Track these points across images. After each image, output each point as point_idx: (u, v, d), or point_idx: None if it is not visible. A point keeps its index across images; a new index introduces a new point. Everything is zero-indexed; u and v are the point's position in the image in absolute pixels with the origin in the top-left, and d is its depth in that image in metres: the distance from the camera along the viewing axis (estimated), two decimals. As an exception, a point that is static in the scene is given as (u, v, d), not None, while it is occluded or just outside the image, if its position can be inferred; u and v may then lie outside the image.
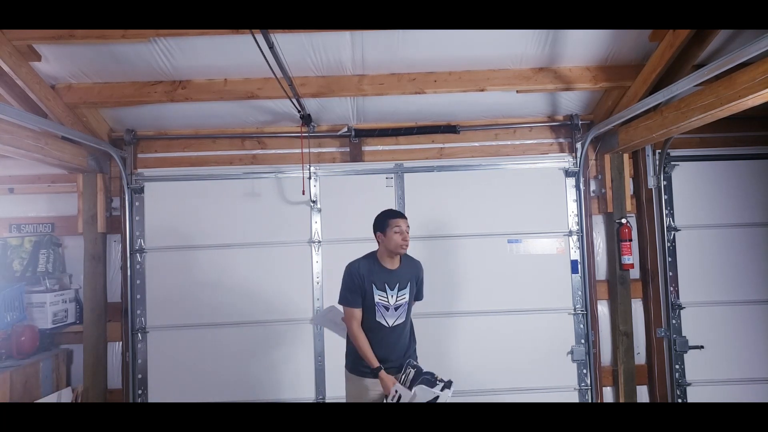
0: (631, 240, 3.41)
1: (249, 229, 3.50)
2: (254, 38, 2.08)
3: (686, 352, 3.41)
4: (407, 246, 2.43)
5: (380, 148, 3.60)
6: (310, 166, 3.46)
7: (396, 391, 2.28)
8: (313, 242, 3.50)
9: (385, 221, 2.45)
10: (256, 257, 3.48)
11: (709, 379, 3.43)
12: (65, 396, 3.32)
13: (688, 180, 3.53)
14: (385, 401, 2.33)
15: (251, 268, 3.48)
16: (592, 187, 3.58)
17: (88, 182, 3.41)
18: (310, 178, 3.45)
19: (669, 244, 3.47)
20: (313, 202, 3.51)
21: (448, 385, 2.32)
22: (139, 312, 3.44)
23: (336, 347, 3.24)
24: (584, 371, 3.47)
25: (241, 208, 3.51)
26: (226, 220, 3.50)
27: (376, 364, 2.35)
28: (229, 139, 3.58)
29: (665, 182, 3.50)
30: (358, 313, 2.42)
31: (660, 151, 3.47)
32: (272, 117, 3.45)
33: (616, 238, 3.44)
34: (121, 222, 3.47)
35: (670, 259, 3.46)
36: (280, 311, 3.46)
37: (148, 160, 3.57)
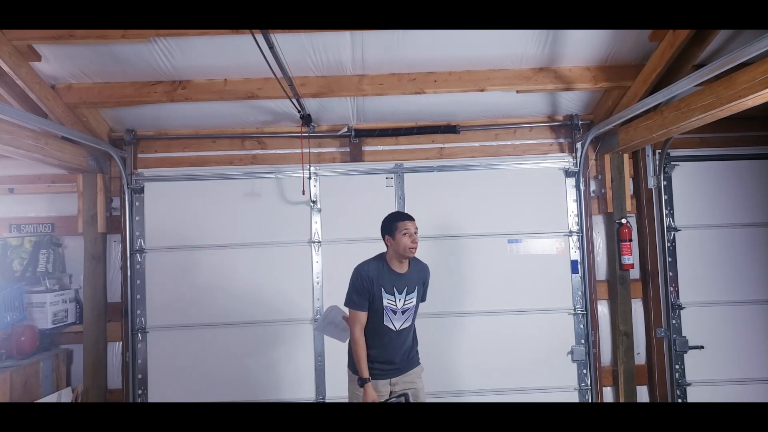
0: (631, 240, 3.41)
1: (249, 230, 3.50)
2: (254, 38, 2.08)
3: (686, 352, 3.41)
4: (416, 249, 2.41)
5: (380, 148, 3.60)
6: (310, 166, 3.46)
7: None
8: (313, 242, 3.50)
9: (393, 224, 2.42)
10: (256, 257, 3.48)
11: (709, 379, 3.43)
12: (65, 396, 3.32)
13: (688, 180, 3.53)
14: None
15: (251, 269, 3.48)
16: (592, 187, 3.58)
17: (88, 182, 3.41)
18: (310, 178, 3.45)
19: (669, 244, 3.47)
20: (313, 202, 3.51)
21: None
22: (139, 312, 3.44)
23: (336, 347, 3.22)
24: (584, 371, 3.47)
25: (241, 208, 3.51)
26: (226, 221, 3.50)
27: (365, 375, 2.35)
28: (229, 139, 3.58)
29: (665, 182, 3.50)
30: (363, 317, 2.40)
31: (660, 151, 3.47)
32: (272, 117, 3.45)
33: (616, 238, 3.44)
34: (121, 222, 3.47)
35: (670, 259, 3.46)
36: (280, 311, 3.46)
37: (148, 160, 3.57)
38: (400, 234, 2.38)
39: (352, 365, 2.47)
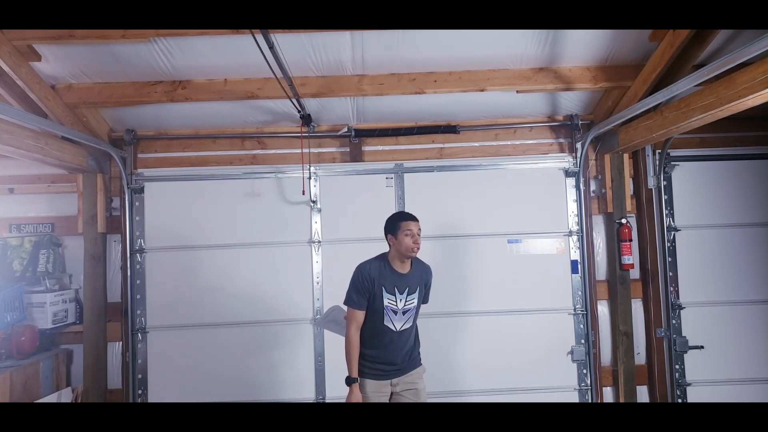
0: (631, 240, 3.41)
1: (249, 230, 3.50)
2: (254, 38, 2.08)
3: (686, 352, 3.41)
4: (418, 249, 2.39)
5: (380, 148, 3.60)
6: (310, 166, 3.46)
7: None
8: (313, 242, 3.50)
9: (396, 224, 2.41)
10: (256, 257, 3.48)
11: (709, 379, 3.43)
12: (65, 396, 3.32)
13: (688, 180, 3.53)
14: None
15: (251, 269, 3.48)
16: (592, 187, 3.58)
17: (88, 182, 3.41)
18: (310, 178, 3.45)
19: (669, 244, 3.47)
20: (313, 202, 3.51)
21: None
22: (139, 312, 3.44)
23: (336, 347, 3.23)
24: (584, 371, 3.47)
25: (241, 208, 3.51)
26: (226, 221, 3.50)
27: (354, 374, 2.36)
28: (229, 139, 3.58)
29: (665, 182, 3.50)
30: (360, 315, 2.40)
31: (660, 151, 3.47)
32: (272, 117, 3.45)
33: (616, 238, 3.44)
34: (121, 222, 3.47)
35: (670, 259, 3.46)
36: (280, 311, 3.46)
37: (148, 160, 3.57)
38: (403, 234, 2.37)
39: (359, 369, 2.48)
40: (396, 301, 2.40)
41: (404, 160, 3.57)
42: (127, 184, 3.45)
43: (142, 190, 3.50)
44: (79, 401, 3.34)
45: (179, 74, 3.02)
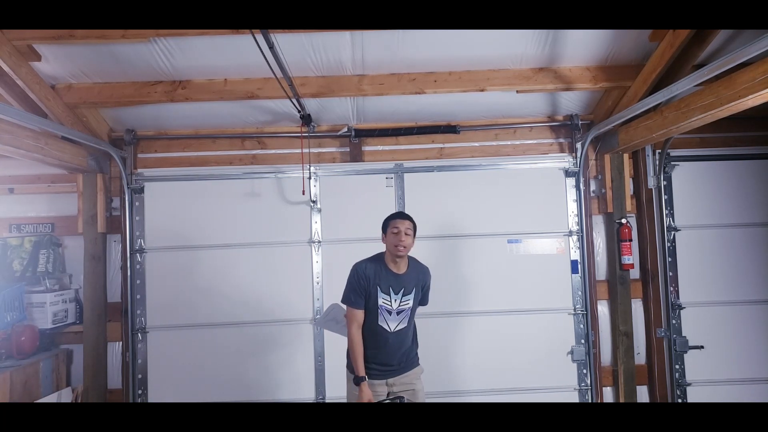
0: (631, 240, 3.41)
1: (249, 230, 3.50)
2: (254, 38, 2.08)
3: (686, 352, 3.41)
4: (403, 248, 2.37)
5: (380, 148, 3.60)
6: (310, 166, 3.46)
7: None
8: (313, 242, 3.50)
9: (387, 222, 2.45)
10: (256, 257, 3.48)
11: (709, 379, 3.43)
12: (65, 396, 3.32)
13: (688, 180, 3.53)
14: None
15: (251, 269, 3.48)
16: (592, 187, 3.58)
17: (88, 182, 3.41)
18: (310, 178, 3.45)
19: (669, 244, 3.47)
20: (313, 202, 3.51)
21: None
22: (139, 312, 3.44)
23: (336, 347, 3.24)
24: (584, 371, 3.47)
25: (241, 208, 3.51)
26: (226, 221, 3.50)
27: (362, 373, 2.34)
28: (229, 139, 3.58)
29: (665, 182, 3.50)
30: (359, 314, 2.40)
31: (660, 151, 3.47)
32: (272, 117, 3.45)
33: (616, 238, 3.44)
34: (121, 222, 3.47)
35: (670, 259, 3.46)
36: (280, 311, 3.46)
37: (148, 160, 3.57)
38: (390, 232, 2.40)
39: (351, 365, 2.47)
40: (390, 302, 2.40)
41: (404, 160, 3.57)
42: (127, 184, 3.45)
43: (142, 190, 3.50)
44: (79, 401, 3.34)
45: (179, 74, 3.02)
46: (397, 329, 2.43)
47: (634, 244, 3.50)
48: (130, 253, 3.44)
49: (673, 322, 3.43)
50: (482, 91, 3.11)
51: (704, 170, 3.53)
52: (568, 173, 3.55)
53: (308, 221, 3.52)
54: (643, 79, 2.85)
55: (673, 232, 3.50)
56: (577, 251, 3.52)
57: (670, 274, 3.45)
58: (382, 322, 2.40)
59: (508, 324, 3.47)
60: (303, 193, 3.39)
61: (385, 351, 2.42)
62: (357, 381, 2.34)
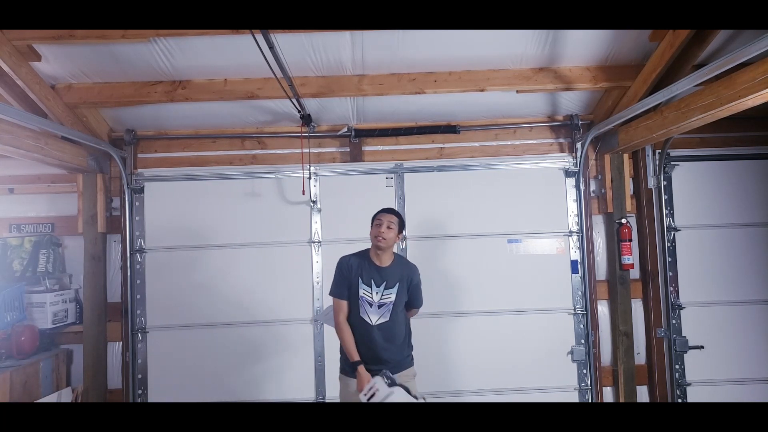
0: (631, 240, 3.41)
1: (249, 229, 3.50)
2: (254, 38, 2.08)
3: (686, 352, 3.41)
4: (383, 239, 2.41)
5: (380, 148, 3.60)
6: (310, 166, 3.46)
7: (374, 385, 2.24)
8: (313, 242, 3.50)
9: (373, 216, 2.52)
10: (256, 257, 3.48)
11: (709, 379, 3.43)
12: (65, 396, 3.32)
13: (688, 180, 3.53)
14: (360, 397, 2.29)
15: (251, 268, 3.48)
16: (592, 187, 3.58)
17: (88, 182, 3.41)
18: (310, 178, 3.45)
19: (669, 244, 3.47)
20: (313, 202, 3.51)
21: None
22: (139, 312, 3.44)
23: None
24: (584, 371, 3.47)
25: (241, 208, 3.51)
26: (226, 220, 3.50)
27: (356, 357, 2.37)
28: (229, 139, 3.58)
29: (665, 182, 3.50)
30: (344, 305, 2.47)
31: (660, 151, 3.47)
32: (272, 117, 3.45)
33: (616, 238, 3.44)
34: (121, 222, 3.47)
35: (670, 259, 3.46)
36: (280, 311, 3.46)
37: (148, 160, 3.57)
38: (374, 225, 2.47)
39: (342, 366, 2.50)
40: (371, 293, 2.43)
41: (404, 160, 3.57)
42: (127, 184, 3.45)
43: (142, 190, 3.50)
44: (79, 401, 3.33)
45: (179, 74, 3.02)
46: (378, 323, 2.42)
47: (634, 244, 3.50)
48: (130, 253, 3.44)
49: (673, 322, 3.43)
50: (482, 91, 3.11)
51: (704, 170, 3.53)
52: (568, 173, 3.55)
53: (308, 221, 3.52)
54: (643, 79, 2.85)
55: (673, 232, 3.50)
56: (577, 251, 3.52)
57: (670, 274, 3.45)
58: (363, 314, 2.42)
59: (508, 324, 3.47)
60: (303, 193, 3.39)
61: (368, 345, 2.40)
62: (354, 365, 2.36)
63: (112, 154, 3.36)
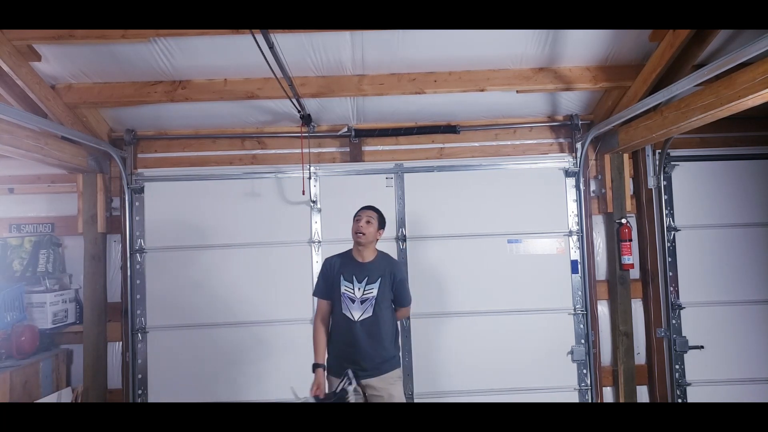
0: (631, 240, 3.41)
1: (249, 230, 3.50)
2: (254, 38, 2.08)
3: (686, 352, 3.41)
4: (362, 234, 2.47)
5: (380, 148, 3.60)
6: (310, 166, 3.46)
7: (340, 387, 2.33)
8: (313, 242, 3.50)
9: (354, 215, 2.57)
10: (256, 257, 3.48)
11: (709, 379, 3.43)
12: (65, 396, 3.32)
13: (688, 180, 3.53)
14: (304, 397, 2.37)
15: (251, 268, 3.48)
16: (592, 187, 3.58)
17: (88, 182, 3.41)
18: (310, 178, 3.45)
19: (669, 244, 3.47)
20: (313, 202, 3.51)
21: None
22: (139, 312, 3.44)
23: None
24: (584, 371, 3.47)
25: (241, 208, 3.51)
26: (226, 220, 3.50)
27: (320, 360, 2.44)
28: (229, 139, 3.58)
29: (665, 182, 3.50)
30: (323, 304, 2.54)
31: (660, 151, 3.47)
32: (272, 117, 3.45)
33: (616, 238, 3.44)
34: (121, 222, 3.47)
35: (670, 259, 3.46)
36: (280, 311, 3.46)
37: (148, 160, 3.57)
38: (354, 221, 2.53)
39: (329, 368, 2.52)
40: (353, 289, 2.45)
41: (404, 160, 3.57)
42: (127, 184, 3.45)
43: (142, 190, 3.50)
44: (79, 401, 3.33)
45: (179, 74, 3.02)
46: (362, 319, 2.43)
47: (634, 244, 3.50)
48: (130, 253, 3.44)
49: (673, 322, 3.43)
50: (482, 91, 3.11)
51: (704, 170, 3.53)
52: (568, 173, 3.55)
53: (308, 221, 3.52)
54: (643, 79, 2.85)
55: (673, 232, 3.50)
56: (577, 251, 3.52)
57: (670, 274, 3.45)
58: (345, 311, 2.44)
59: (508, 324, 3.47)
60: (303, 193, 3.39)
61: (353, 345, 2.40)
62: (313, 367, 2.42)
63: (112, 154, 3.36)
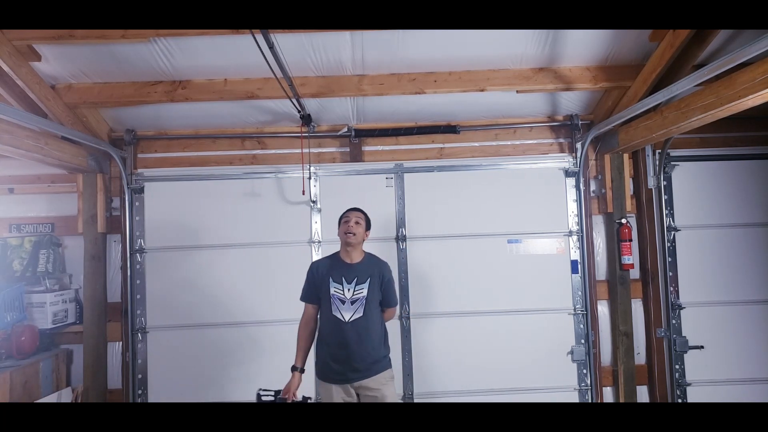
0: (631, 240, 3.41)
1: (249, 230, 3.50)
2: (254, 38, 2.08)
3: (686, 352, 3.41)
4: (352, 235, 2.49)
5: (380, 148, 3.60)
6: (310, 166, 3.46)
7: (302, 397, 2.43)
8: (313, 242, 3.50)
9: (340, 217, 2.59)
10: (256, 257, 3.48)
11: (709, 379, 3.43)
12: (65, 396, 3.32)
13: (688, 180, 3.53)
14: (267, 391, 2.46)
15: (251, 268, 3.48)
16: (592, 187, 3.58)
17: (88, 182, 3.41)
18: (310, 178, 3.45)
19: (669, 244, 3.47)
20: (313, 202, 3.51)
21: None
22: (139, 312, 3.44)
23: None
24: (584, 371, 3.47)
25: (241, 208, 3.51)
26: (226, 220, 3.50)
27: (299, 364, 2.50)
28: (229, 139, 3.58)
29: (665, 182, 3.50)
30: (309, 308, 2.57)
31: (660, 151, 3.47)
32: (272, 117, 3.45)
33: (616, 238, 3.44)
34: (121, 222, 3.47)
35: (670, 259, 3.46)
36: (280, 311, 3.46)
37: (148, 160, 3.57)
38: (343, 222, 2.56)
39: (318, 371, 2.56)
40: (343, 290, 2.46)
41: (404, 160, 3.57)
42: (127, 184, 3.45)
43: (142, 190, 3.50)
44: (79, 401, 3.33)
45: (179, 74, 3.02)
46: (353, 319, 2.43)
47: (634, 244, 3.50)
48: (130, 253, 3.44)
49: (673, 322, 3.43)
50: (482, 91, 3.11)
51: (704, 170, 3.53)
52: (568, 173, 3.55)
53: (308, 221, 3.52)
54: (643, 79, 2.85)
55: (673, 232, 3.50)
56: (577, 251, 3.52)
57: (670, 274, 3.45)
58: (336, 312, 2.45)
59: (508, 324, 3.47)
60: (303, 193, 3.39)
61: (344, 346, 2.41)
62: (293, 369, 2.49)
63: (112, 154, 3.36)
